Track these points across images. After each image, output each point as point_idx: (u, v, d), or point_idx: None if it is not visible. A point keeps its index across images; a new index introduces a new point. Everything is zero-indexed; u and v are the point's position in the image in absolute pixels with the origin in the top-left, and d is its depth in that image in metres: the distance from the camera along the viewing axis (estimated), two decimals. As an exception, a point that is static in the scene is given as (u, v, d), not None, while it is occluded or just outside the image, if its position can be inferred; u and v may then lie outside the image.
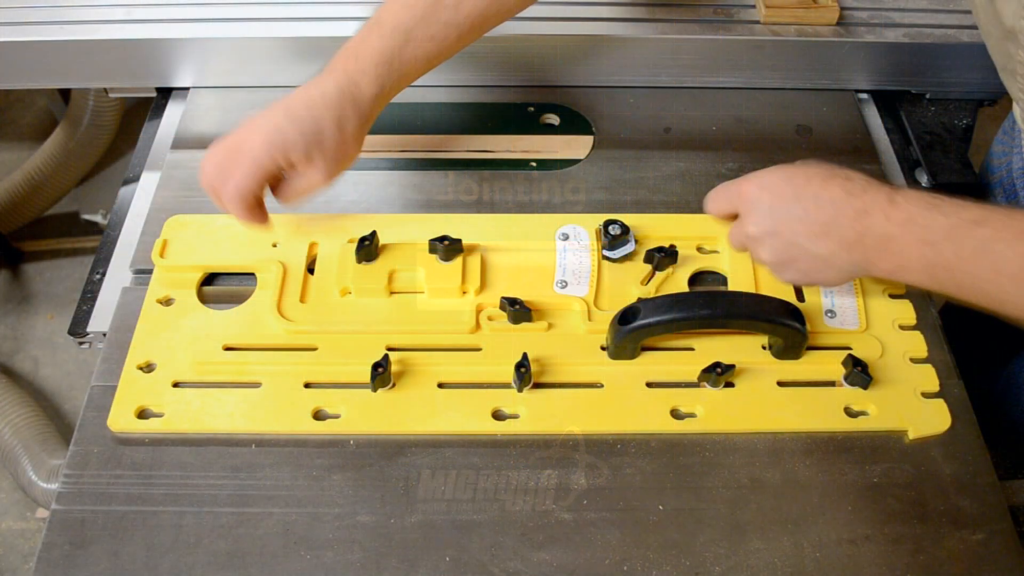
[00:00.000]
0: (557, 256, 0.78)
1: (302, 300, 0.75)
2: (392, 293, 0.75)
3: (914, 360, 0.72)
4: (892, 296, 0.76)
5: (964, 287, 0.61)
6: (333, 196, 0.85)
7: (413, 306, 0.75)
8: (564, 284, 0.76)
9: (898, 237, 0.62)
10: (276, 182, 0.73)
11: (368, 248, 0.75)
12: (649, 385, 0.71)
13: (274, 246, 0.78)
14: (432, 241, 0.75)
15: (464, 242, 0.76)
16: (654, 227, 0.80)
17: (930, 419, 0.69)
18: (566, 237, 0.79)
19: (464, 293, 0.75)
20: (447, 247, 0.74)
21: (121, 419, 0.68)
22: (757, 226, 0.68)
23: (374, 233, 0.75)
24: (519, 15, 0.81)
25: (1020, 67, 0.68)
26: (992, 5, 0.67)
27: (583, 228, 0.79)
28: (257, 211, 0.72)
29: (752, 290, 0.75)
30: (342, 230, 0.79)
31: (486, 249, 0.78)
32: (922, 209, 0.61)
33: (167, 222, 0.80)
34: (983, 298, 0.60)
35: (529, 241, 0.79)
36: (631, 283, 0.76)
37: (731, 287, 0.76)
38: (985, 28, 0.72)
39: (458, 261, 0.75)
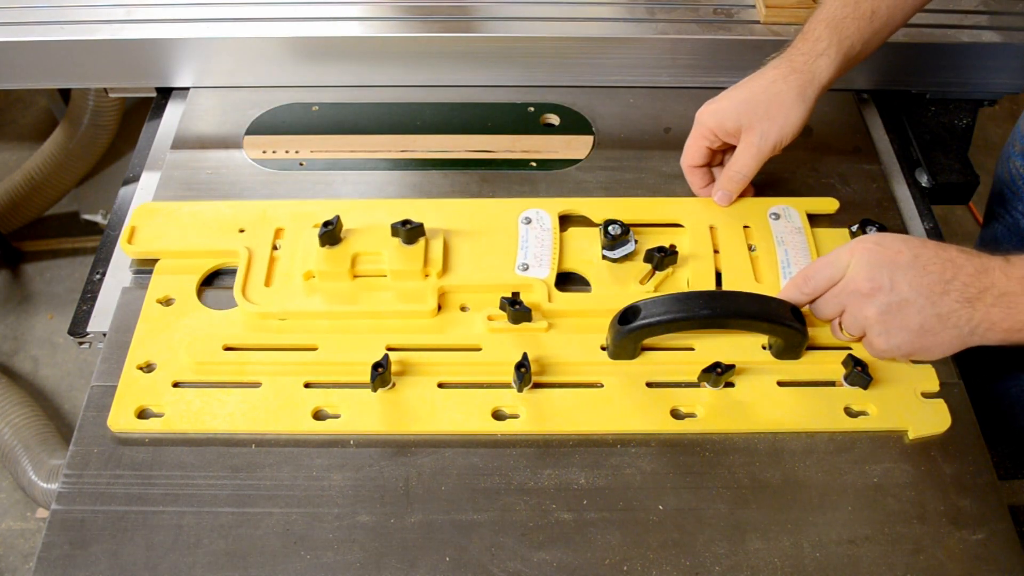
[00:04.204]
0: (519, 239, 0.78)
1: (267, 284, 0.75)
2: (355, 276, 0.76)
3: (914, 360, 0.72)
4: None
5: None
6: (333, 195, 0.85)
7: (375, 289, 0.75)
8: (526, 267, 0.76)
9: (1018, 294, 0.61)
10: None
11: (331, 232, 0.75)
12: (649, 385, 0.71)
13: (241, 232, 0.79)
14: (394, 225, 0.75)
15: (427, 226, 0.76)
16: (630, 210, 0.81)
17: (930, 419, 0.69)
18: (528, 221, 0.80)
19: (426, 276, 0.76)
20: (409, 230, 0.75)
21: (121, 419, 0.68)
22: (872, 281, 0.64)
23: (337, 217, 0.76)
24: (523, 15, 0.81)
25: None
26: None
27: (545, 212, 0.80)
28: (703, 187, 0.83)
29: (749, 287, 0.75)
30: (308, 215, 0.80)
31: (449, 232, 0.79)
32: None
33: (135, 210, 0.81)
34: None
35: (492, 224, 0.80)
36: (631, 283, 0.76)
37: (725, 286, 0.76)
38: None
39: (420, 244, 0.76)
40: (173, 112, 0.95)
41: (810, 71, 0.75)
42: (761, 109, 0.75)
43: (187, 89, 0.96)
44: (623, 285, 0.76)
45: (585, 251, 0.79)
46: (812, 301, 0.70)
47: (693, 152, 0.81)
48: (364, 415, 0.69)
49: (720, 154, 0.82)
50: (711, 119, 0.77)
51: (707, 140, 0.79)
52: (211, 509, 0.64)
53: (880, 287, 0.64)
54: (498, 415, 0.69)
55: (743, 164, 0.77)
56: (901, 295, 0.63)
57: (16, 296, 1.84)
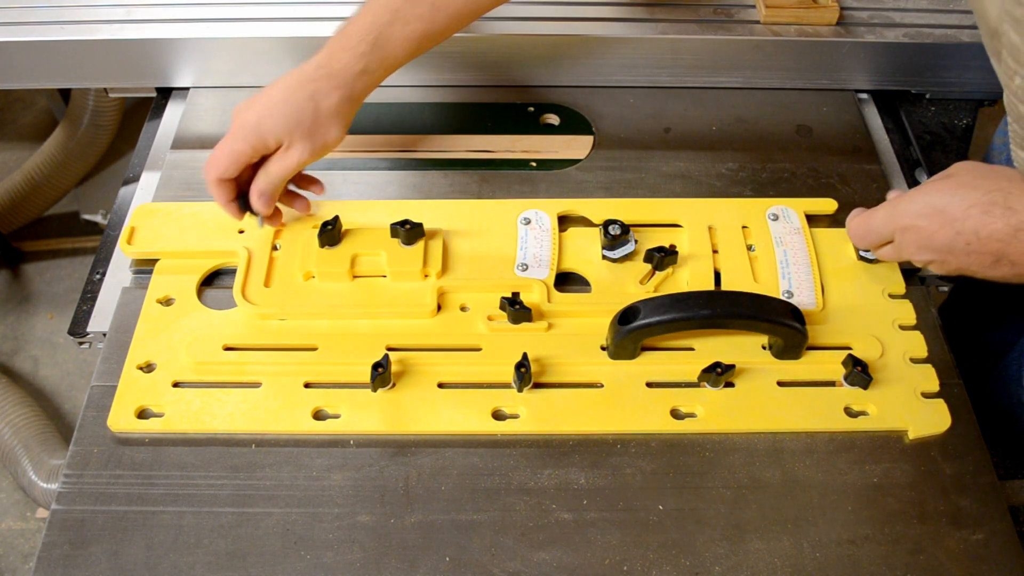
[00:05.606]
0: (519, 240, 0.79)
1: (266, 285, 0.76)
2: (355, 277, 0.76)
3: (914, 360, 0.72)
4: (892, 296, 0.76)
5: None
6: (333, 195, 0.85)
7: (375, 289, 0.76)
8: (525, 267, 0.76)
9: None
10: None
11: (331, 232, 0.76)
12: (649, 385, 0.71)
13: (240, 232, 0.79)
14: (393, 225, 0.76)
15: (426, 226, 0.77)
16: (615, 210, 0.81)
17: (930, 419, 0.69)
18: (527, 222, 0.80)
19: (426, 276, 0.76)
20: (408, 231, 0.75)
21: (121, 419, 0.68)
22: (923, 254, 0.69)
23: (336, 218, 0.76)
24: (523, 15, 0.81)
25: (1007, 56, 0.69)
26: (979, 2, 0.68)
27: (544, 213, 0.80)
28: (230, 202, 0.74)
29: (747, 287, 0.75)
30: (307, 216, 0.80)
31: (448, 233, 0.79)
32: None
33: (135, 211, 0.81)
34: None
35: (491, 225, 0.80)
36: (631, 283, 0.76)
37: (724, 286, 0.76)
38: (977, 17, 0.73)
39: (420, 245, 0.76)
40: (173, 112, 0.95)
41: (351, 84, 0.73)
42: (305, 122, 0.71)
43: (187, 89, 0.96)
44: (623, 285, 0.76)
45: (585, 251, 0.79)
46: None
47: (229, 167, 0.72)
48: (364, 415, 0.69)
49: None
50: (253, 136, 0.71)
51: (249, 155, 0.72)
52: (211, 509, 0.64)
53: (931, 261, 0.69)
54: (498, 415, 0.69)
55: (284, 167, 0.73)
56: (953, 265, 0.68)
57: (16, 296, 1.84)
